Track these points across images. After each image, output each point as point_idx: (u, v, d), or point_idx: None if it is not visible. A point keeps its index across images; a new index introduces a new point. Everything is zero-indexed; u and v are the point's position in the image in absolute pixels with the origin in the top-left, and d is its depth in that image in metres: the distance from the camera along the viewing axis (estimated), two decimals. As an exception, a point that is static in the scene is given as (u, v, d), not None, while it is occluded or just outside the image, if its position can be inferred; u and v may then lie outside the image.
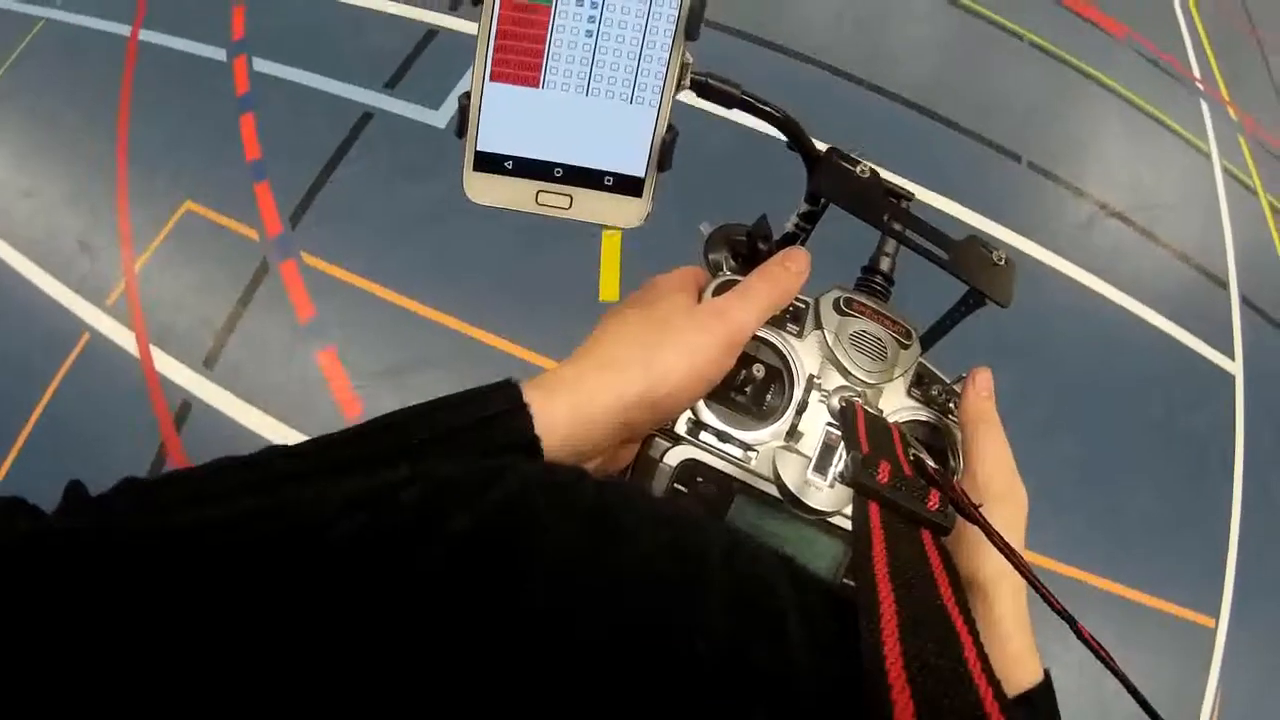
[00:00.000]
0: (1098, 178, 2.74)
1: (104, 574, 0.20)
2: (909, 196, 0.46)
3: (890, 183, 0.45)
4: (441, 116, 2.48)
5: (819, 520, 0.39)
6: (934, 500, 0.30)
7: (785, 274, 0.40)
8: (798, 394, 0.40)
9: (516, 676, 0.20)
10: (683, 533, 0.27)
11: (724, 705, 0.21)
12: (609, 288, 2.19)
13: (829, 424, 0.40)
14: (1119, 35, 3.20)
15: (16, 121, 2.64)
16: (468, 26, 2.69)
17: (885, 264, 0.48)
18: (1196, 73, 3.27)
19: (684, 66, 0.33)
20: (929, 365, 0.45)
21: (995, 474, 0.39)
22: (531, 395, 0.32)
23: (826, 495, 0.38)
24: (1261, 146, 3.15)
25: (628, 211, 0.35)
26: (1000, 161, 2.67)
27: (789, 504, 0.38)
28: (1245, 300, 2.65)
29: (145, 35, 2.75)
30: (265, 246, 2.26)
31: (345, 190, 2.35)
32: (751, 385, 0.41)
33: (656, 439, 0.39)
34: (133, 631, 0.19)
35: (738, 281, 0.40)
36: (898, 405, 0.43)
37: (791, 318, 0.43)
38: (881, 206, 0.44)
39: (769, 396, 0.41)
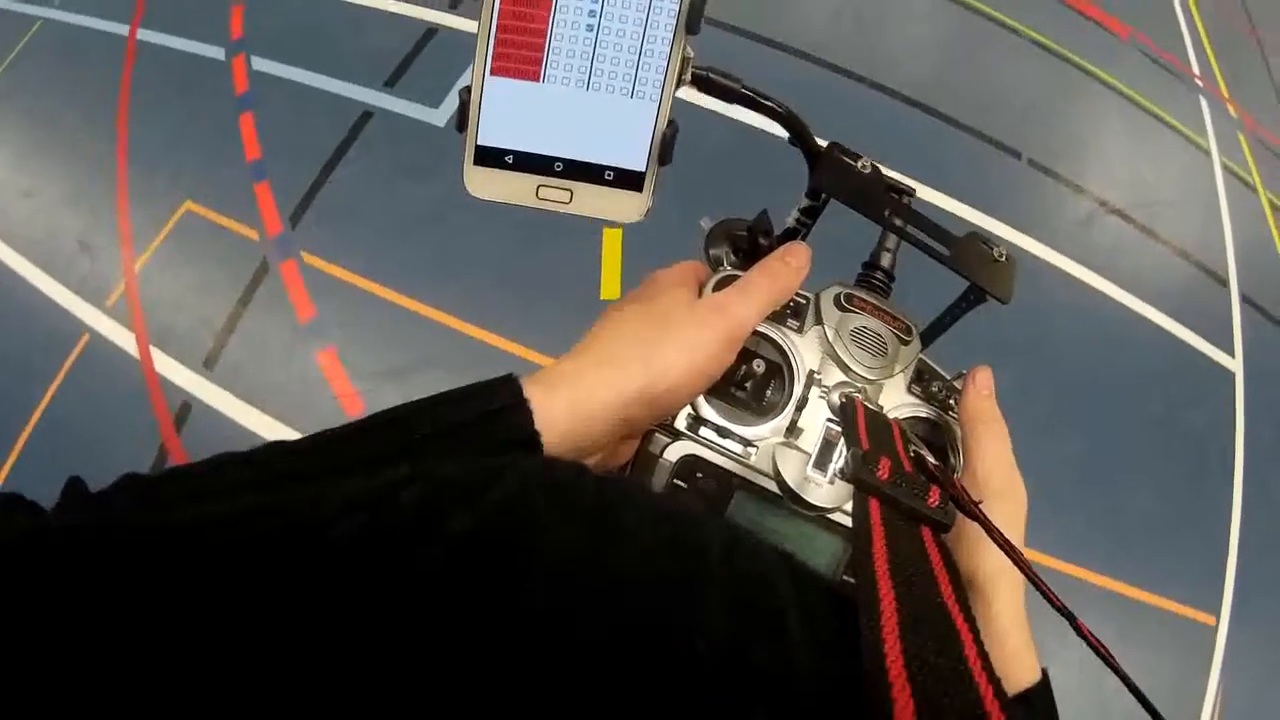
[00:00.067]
0: (1097, 174, 2.74)
1: (103, 571, 0.20)
2: (910, 192, 0.46)
3: (891, 178, 0.45)
4: (441, 115, 2.48)
5: (819, 517, 0.39)
6: (934, 497, 0.30)
7: (786, 269, 0.40)
8: (798, 390, 0.40)
9: (517, 677, 0.20)
10: (683, 529, 0.27)
11: (724, 705, 0.21)
12: (610, 286, 2.19)
13: (829, 420, 0.40)
14: (1119, 33, 3.20)
15: (15, 122, 2.64)
16: (467, 25, 2.69)
17: (886, 260, 0.48)
18: (1196, 70, 3.27)
19: (685, 61, 0.33)
20: (929, 361, 0.45)
21: (995, 471, 0.39)
22: (532, 391, 0.32)
23: (826, 491, 0.38)
24: (1261, 144, 3.15)
25: (628, 206, 0.35)
26: (1000, 158, 2.67)
27: (789, 500, 0.38)
28: (1245, 297, 2.65)
29: (144, 34, 2.75)
30: (265, 246, 2.26)
31: (345, 189, 2.35)
32: (752, 381, 0.41)
33: (656, 434, 0.39)
34: (132, 629, 0.19)
35: (738, 277, 0.40)
36: (898, 401, 0.43)
37: (792, 313, 0.43)
38: (883, 202, 0.44)
39: (769, 392, 0.41)
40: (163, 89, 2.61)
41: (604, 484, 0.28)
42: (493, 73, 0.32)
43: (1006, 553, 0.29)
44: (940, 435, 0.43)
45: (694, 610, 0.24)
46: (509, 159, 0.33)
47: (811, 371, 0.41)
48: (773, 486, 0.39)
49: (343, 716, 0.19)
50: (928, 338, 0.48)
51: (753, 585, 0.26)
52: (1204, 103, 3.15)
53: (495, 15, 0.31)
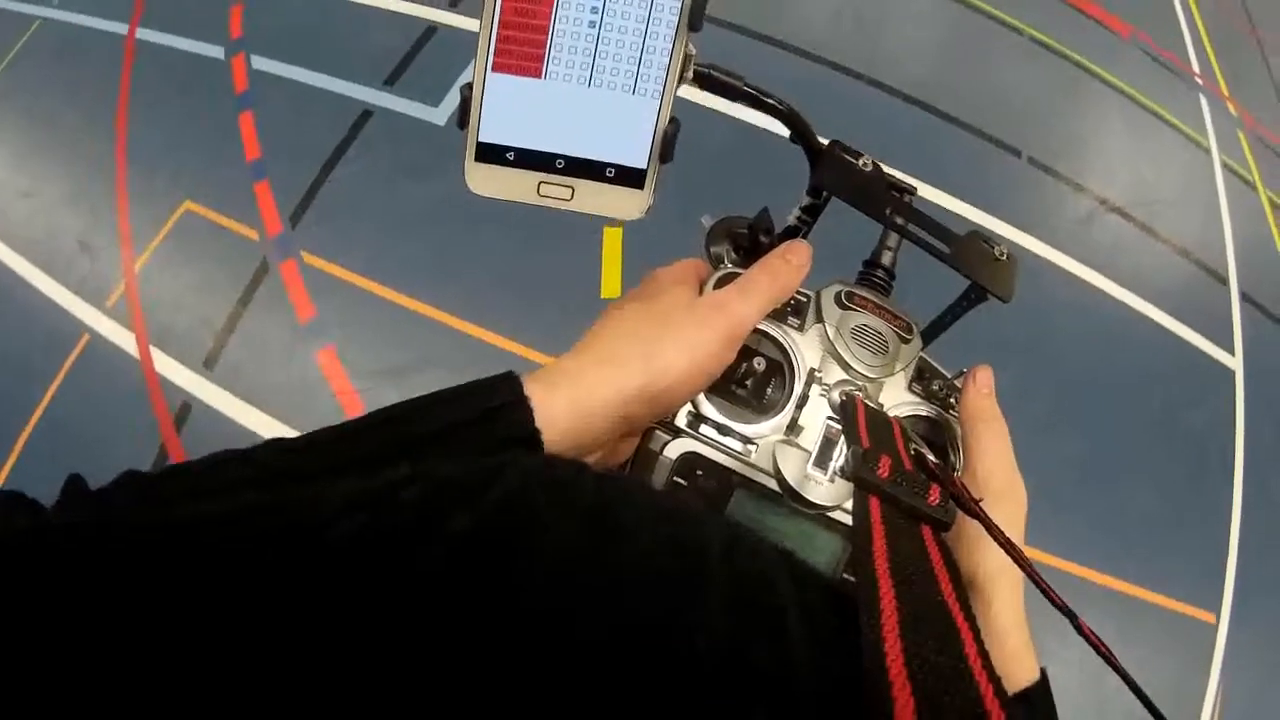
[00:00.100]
0: (1098, 173, 2.74)
1: (103, 569, 0.20)
2: (911, 191, 0.46)
3: (893, 177, 0.45)
4: (441, 114, 2.48)
5: (819, 515, 0.39)
6: (934, 495, 0.30)
7: (786, 267, 0.40)
8: (798, 388, 0.40)
9: (517, 677, 0.20)
10: (682, 528, 0.27)
11: (724, 704, 0.21)
12: (611, 285, 2.19)
13: (829, 418, 0.40)
14: (1120, 31, 3.20)
15: (14, 122, 2.64)
16: (467, 23, 2.69)
17: (887, 258, 0.48)
18: (1196, 69, 3.27)
19: (687, 58, 0.33)
20: (930, 360, 0.45)
21: (995, 470, 0.39)
22: (532, 388, 0.32)
23: (826, 490, 0.38)
24: (1261, 142, 3.15)
25: (629, 203, 0.35)
26: (1000, 157, 2.67)
27: (789, 498, 0.38)
28: (1245, 295, 2.65)
29: (143, 34, 2.75)
30: (265, 246, 2.26)
31: (345, 189, 2.35)
32: (752, 378, 0.41)
33: (657, 432, 0.39)
34: (132, 627, 0.19)
35: (739, 274, 0.40)
36: (898, 400, 0.43)
37: (793, 311, 0.43)
38: (884, 200, 0.44)
39: (769, 390, 0.41)
40: (162, 88, 2.61)
41: (604, 482, 0.28)
42: (494, 69, 0.32)
43: (1007, 551, 0.29)
44: (940, 434, 0.43)
45: (694, 609, 0.24)
46: (510, 156, 0.33)
47: (812, 369, 0.41)
48: (773, 484, 0.39)
49: (342, 716, 0.19)
50: (928, 336, 0.48)
51: (753, 584, 0.26)
52: (1204, 101, 3.15)
53: (497, 11, 0.31)
